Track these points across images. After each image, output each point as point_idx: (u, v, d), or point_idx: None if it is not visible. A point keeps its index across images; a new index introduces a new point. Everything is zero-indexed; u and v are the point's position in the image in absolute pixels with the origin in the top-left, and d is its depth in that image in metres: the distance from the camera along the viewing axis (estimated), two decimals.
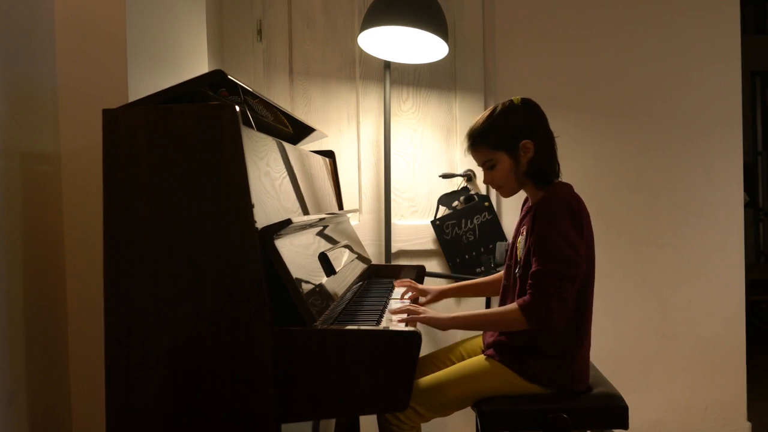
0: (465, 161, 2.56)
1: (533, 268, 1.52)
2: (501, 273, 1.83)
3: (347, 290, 1.67)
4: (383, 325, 1.48)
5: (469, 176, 2.58)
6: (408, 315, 1.56)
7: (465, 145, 1.69)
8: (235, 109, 1.21)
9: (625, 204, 2.63)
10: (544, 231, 1.53)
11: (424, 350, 1.54)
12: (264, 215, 1.27)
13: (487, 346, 1.68)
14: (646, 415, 2.62)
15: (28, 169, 1.45)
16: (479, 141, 1.66)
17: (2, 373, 1.34)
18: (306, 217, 1.47)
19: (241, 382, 1.22)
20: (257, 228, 1.21)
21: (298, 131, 2.03)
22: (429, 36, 2.23)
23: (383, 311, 1.61)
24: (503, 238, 2.54)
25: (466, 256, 2.56)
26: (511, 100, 1.66)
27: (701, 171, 2.62)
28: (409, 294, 1.91)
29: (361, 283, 2.02)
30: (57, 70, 1.56)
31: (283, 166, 1.54)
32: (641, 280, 2.63)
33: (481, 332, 1.81)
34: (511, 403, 1.56)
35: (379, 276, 2.22)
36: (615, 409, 1.57)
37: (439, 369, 1.72)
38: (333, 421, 1.98)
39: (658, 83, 2.61)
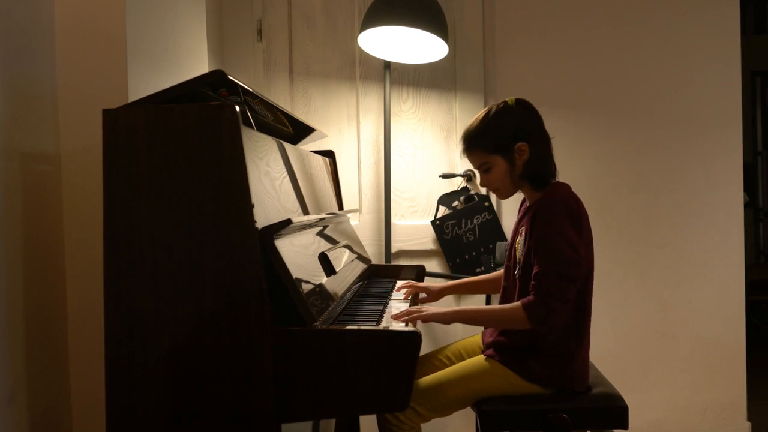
0: (465, 161, 2.55)
1: (535, 270, 1.52)
2: (501, 271, 1.83)
3: (347, 290, 1.67)
4: (383, 325, 1.48)
5: (469, 176, 2.58)
6: (410, 315, 1.55)
7: (460, 147, 1.69)
8: (235, 109, 1.21)
9: (625, 204, 2.63)
10: (543, 231, 1.53)
11: (424, 350, 1.54)
12: (264, 215, 1.27)
13: (487, 346, 1.68)
14: (646, 415, 2.62)
15: (28, 169, 1.45)
16: (474, 144, 1.65)
17: (2, 373, 1.34)
18: (306, 217, 1.47)
19: (241, 382, 1.22)
20: (257, 228, 1.21)
21: (298, 131, 2.03)
22: (429, 36, 2.23)
23: (383, 311, 1.61)
24: (503, 238, 2.54)
25: (466, 256, 2.56)
26: (506, 102, 1.64)
27: (701, 171, 2.62)
28: (406, 290, 1.90)
29: (361, 283, 2.02)
30: (57, 70, 1.56)
31: (283, 166, 1.54)
32: (641, 280, 2.63)
33: (480, 331, 1.81)
34: (511, 403, 1.57)
35: (379, 276, 2.22)
36: (615, 409, 1.57)
37: (439, 368, 1.72)
38: (333, 421, 1.98)
39: (658, 83, 2.61)
